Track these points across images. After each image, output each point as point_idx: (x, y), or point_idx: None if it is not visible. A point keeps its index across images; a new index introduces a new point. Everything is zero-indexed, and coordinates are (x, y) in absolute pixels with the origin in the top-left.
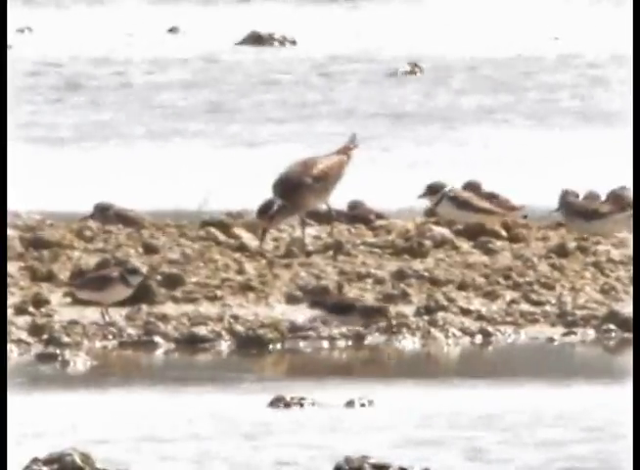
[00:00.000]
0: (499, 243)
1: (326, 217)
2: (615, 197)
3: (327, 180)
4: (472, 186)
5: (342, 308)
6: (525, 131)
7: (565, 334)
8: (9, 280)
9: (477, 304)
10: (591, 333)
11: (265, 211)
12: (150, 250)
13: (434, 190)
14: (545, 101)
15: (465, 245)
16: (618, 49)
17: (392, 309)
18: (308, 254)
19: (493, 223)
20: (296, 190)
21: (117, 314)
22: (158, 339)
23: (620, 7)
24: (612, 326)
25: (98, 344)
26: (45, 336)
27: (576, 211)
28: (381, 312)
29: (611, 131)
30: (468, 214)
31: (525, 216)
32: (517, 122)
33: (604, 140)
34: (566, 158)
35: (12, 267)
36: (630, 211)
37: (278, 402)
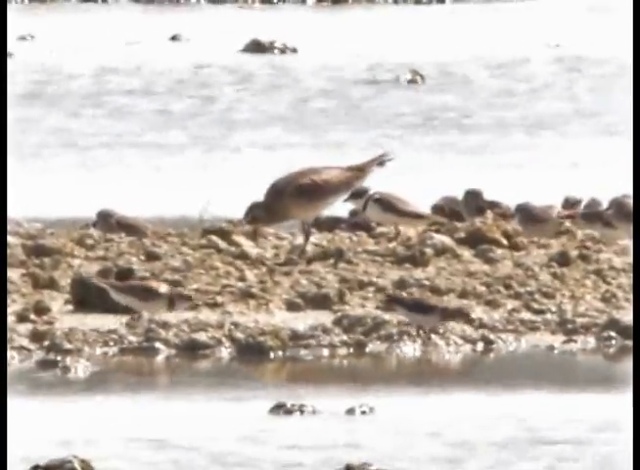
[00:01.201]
0: (500, 251)
1: (326, 225)
2: (570, 204)
3: (317, 192)
4: (472, 194)
5: (423, 308)
6: (528, 138)
7: (565, 342)
8: (11, 287)
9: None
10: (591, 341)
11: (248, 212)
12: (152, 257)
13: (357, 195)
14: (546, 108)
15: (466, 253)
16: (620, 57)
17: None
18: (309, 261)
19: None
20: (276, 197)
21: (118, 321)
22: (158, 345)
23: (622, 14)
24: (612, 333)
25: (99, 350)
26: (46, 343)
27: (529, 217)
28: (462, 313)
29: (616, 139)
30: (394, 218)
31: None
32: (520, 129)
33: (608, 148)
34: (570, 165)
35: (13, 275)
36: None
37: (278, 409)
